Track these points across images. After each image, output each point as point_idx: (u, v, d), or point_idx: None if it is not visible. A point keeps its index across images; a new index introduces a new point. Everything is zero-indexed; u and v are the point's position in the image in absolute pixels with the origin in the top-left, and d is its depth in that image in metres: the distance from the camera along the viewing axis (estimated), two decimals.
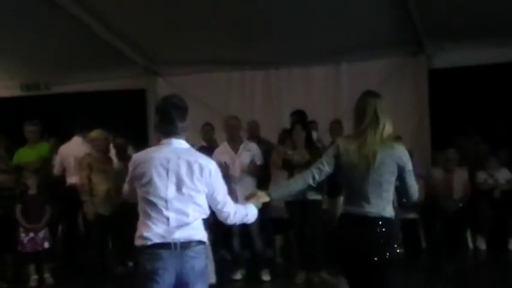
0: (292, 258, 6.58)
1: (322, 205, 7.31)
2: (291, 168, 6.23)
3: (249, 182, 6.42)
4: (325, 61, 9.10)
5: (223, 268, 6.50)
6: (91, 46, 8.31)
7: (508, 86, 9.08)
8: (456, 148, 7.89)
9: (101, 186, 6.24)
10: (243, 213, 3.52)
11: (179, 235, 3.18)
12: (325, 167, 3.46)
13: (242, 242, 6.52)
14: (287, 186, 3.90)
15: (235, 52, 8.88)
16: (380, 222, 3.32)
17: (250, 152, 6.58)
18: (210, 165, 3.31)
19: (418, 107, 8.72)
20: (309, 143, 6.44)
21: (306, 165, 6.10)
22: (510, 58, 8.30)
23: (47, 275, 6.67)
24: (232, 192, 6.15)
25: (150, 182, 3.24)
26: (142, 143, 8.04)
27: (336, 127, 7.38)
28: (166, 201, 3.21)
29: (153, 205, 3.22)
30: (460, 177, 7.78)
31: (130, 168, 3.39)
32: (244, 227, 6.43)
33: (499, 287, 5.57)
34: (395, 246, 3.39)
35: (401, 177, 3.39)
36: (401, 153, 3.37)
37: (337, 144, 3.47)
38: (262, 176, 6.65)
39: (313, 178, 3.50)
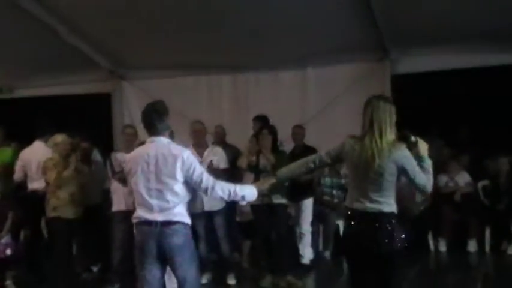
0: (259, 262, 6.59)
1: (288, 209, 7.41)
2: (257, 172, 6.26)
3: None
4: (292, 66, 9.14)
5: None
6: (55, 49, 8.20)
7: (470, 91, 9.33)
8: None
9: (64, 190, 6.17)
10: (232, 190, 3.98)
11: (161, 218, 3.83)
12: (326, 157, 3.83)
13: (208, 246, 6.51)
14: (290, 169, 4.14)
15: (203, 56, 8.85)
16: (380, 218, 3.52)
17: (215, 157, 6.58)
18: (183, 154, 3.88)
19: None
20: (275, 148, 6.49)
21: (273, 170, 6.21)
22: (472, 64, 8.49)
23: (8, 282, 6.56)
24: (197, 195, 6.30)
25: (136, 175, 3.91)
26: (107, 147, 8.02)
27: (298, 132, 7.43)
28: (149, 190, 3.86)
29: (139, 194, 3.91)
30: None
31: (123, 165, 4.17)
32: (211, 231, 6.46)
33: (465, 286, 5.69)
34: (397, 240, 3.53)
35: (405, 176, 3.57)
36: (400, 154, 3.53)
37: (344, 143, 3.74)
38: (226, 180, 6.65)
39: (314, 163, 3.89)
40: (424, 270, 6.83)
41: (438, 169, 8.04)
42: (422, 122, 9.51)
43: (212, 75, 9.39)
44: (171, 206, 3.84)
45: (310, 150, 7.31)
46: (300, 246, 7.02)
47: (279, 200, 6.37)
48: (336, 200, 7.82)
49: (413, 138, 3.69)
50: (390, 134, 3.57)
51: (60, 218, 6.15)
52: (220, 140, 7.88)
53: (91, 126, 8.78)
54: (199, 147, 6.65)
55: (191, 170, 3.86)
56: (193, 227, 6.30)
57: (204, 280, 6.39)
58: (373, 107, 3.67)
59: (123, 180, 6.12)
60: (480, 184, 8.01)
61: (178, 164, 3.83)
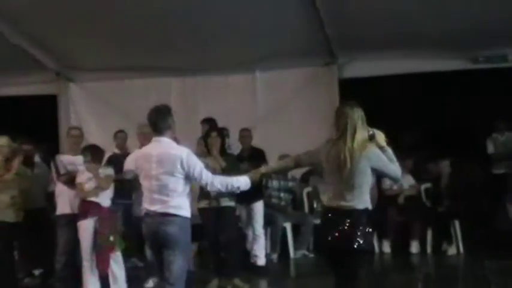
0: (206, 265, 6.58)
1: (236, 212, 7.42)
2: None
3: None
4: (241, 69, 9.22)
5: (135, 276, 6.44)
6: (1, 50, 8.04)
7: (415, 95, 9.59)
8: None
9: (6, 193, 6.03)
10: (228, 182, 4.35)
11: (160, 209, 4.19)
12: (305, 157, 4.17)
13: None
14: (275, 164, 4.83)
15: (152, 59, 8.83)
16: (353, 214, 3.79)
17: None
18: (181, 154, 4.21)
19: (330, 115, 8.92)
20: (224, 150, 6.51)
21: (222, 172, 6.24)
22: (418, 69, 8.74)
23: None
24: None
25: (142, 172, 4.31)
26: (53, 148, 7.88)
27: (245, 135, 7.48)
28: (151, 185, 4.23)
29: (145, 189, 4.31)
30: None
31: (135, 163, 4.44)
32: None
33: (405, 286, 5.82)
34: (369, 235, 3.84)
35: (378, 171, 3.90)
36: (371, 154, 3.84)
37: (322, 147, 4.01)
38: None
39: (300, 161, 4.22)
40: (367, 271, 6.92)
41: None
42: (369, 125, 9.72)
43: (161, 77, 9.36)
44: (169, 200, 4.19)
45: (257, 152, 7.39)
46: (256, 248, 7.04)
47: (226, 202, 6.37)
48: (283, 203, 7.89)
49: (370, 131, 3.99)
50: (361, 136, 3.86)
51: (1, 221, 6.01)
52: None
53: (37, 128, 8.65)
54: None
55: (191, 168, 4.20)
56: (140, 230, 6.32)
57: (151, 284, 6.36)
58: (344, 113, 3.94)
59: (69, 183, 6.07)
60: (423, 187, 8.23)
61: (178, 163, 4.18)
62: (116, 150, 7.65)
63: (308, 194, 8.30)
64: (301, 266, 7.45)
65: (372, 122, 9.41)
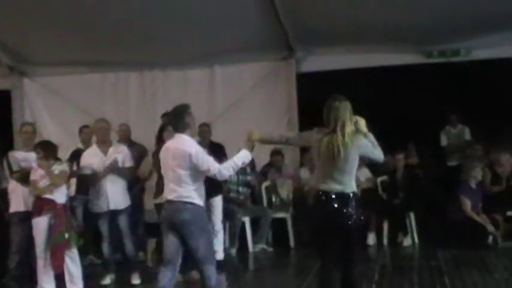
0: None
1: None
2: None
3: (119, 183, 6.38)
4: (199, 64, 9.19)
5: (92, 273, 6.39)
6: None
7: (372, 89, 9.72)
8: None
9: None
10: (232, 165, 4.74)
11: (176, 198, 4.65)
12: (298, 138, 4.74)
13: (112, 246, 6.42)
14: (269, 136, 5.11)
15: (109, 53, 8.73)
16: (344, 197, 4.23)
17: (120, 155, 6.50)
18: (191, 150, 4.65)
19: (288, 109, 9.05)
20: None
21: None
22: (374, 63, 8.85)
23: None
24: (102, 194, 6.21)
25: (162, 163, 4.84)
26: (6, 144, 7.72)
27: (204, 129, 7.47)
28: (168, 176, 4.72)
29: (165, 179, 4.78)
30: None
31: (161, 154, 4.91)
32: (115, 230, 6.36)
33: (361, 278, 5.89)
34: (358, 214, 4.25)
35: (365, 157, 4.37)
36: (360, 143, 4.27)
37: (312, 132, 4.42)
38: (131, 179, 6.62)
39: (287, 139, 4.75)
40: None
41: None
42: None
43: (119, 72, 9.28)
44: (183, 190, 4.64)
45: (217, 147, 7.39)
46: (214, 242, 7.03)
47: None
48: (242, 197, 7.91)
49: (353, 119, 4.35)
50: (350, 127, 4.25)
51: None
52: (126, 138, 7.79)
53: None
54: (103, 145, 6.53)
55: (199, 162, 4.63)
56: (96, 227, 6.26)
57: (108, 281, 6.32)
58: (334, 107, 4.31)
59: (23, 180, 5.97)
60: (379, 179, 8.36)
61: (188, 158, 4.62)
62: (80, 146, 7.56)
63: (267, 188, 8.34)
64: (260, 260, 7.49)
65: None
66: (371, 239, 7.94)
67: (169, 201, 4.71)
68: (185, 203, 4.64)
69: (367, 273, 6.20)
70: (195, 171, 4.64)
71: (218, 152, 7.22)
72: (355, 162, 4.27)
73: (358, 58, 8.77)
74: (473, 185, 7.50)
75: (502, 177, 7.64)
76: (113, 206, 6.32)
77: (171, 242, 4.70)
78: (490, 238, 7.46)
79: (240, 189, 7.93)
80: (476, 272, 6.02)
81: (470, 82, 9.55)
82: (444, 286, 5.49)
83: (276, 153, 8.43)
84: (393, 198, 7.92)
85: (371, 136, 4.38)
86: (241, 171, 7.96)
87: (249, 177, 8.02)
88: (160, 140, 6.43)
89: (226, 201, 7.42)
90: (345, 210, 4.18)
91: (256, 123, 8.99)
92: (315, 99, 9.28)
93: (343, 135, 4.19)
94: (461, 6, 7.57)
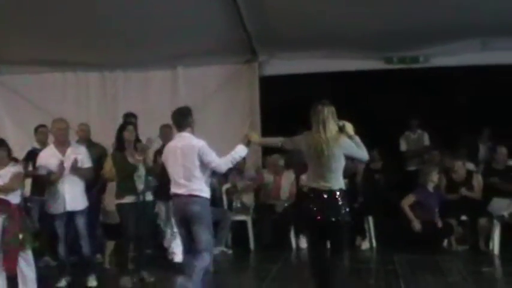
0: (122, 263, 6.47)
1: (155, 208, 7.38)
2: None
3: (77, 184, 6.30)
4: (162, 65, 9.18)
5: (47, 275, 6.30)
6: None
7: (333, 94, 9.78)
8: (285, 152, 8.29)
9: None
10: (229, 159, 5.19)
11: (185, 192, 5.05)
12: (289, 143, 4.95)
13: (68, 247, 6.33)
14: (266, 139, 5.64)
15: (70, 53, 8.64)
16: (332, 193, 4.62)
17: (79, 155, 6.42)
18: (198, 145, 5.08)
19: (250, 112, 9.09)
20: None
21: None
22: (335, 68, 8.95)
23: None
24: (58, 194, 6.12)
25: (169, 162, 5.20)
26: None
27: (166, 131, 7.42)
28: (178, 172, 5.10)
29: (172, 175, 5.16)
30: (287, 180, 8.25)
31: (164, 153, 5.35)
32: (72, 231, 6.28)
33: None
34: (346, 209, 4.64)
35: (350, 156, 4.75)
36: (343, 143, 4.67)
37: (303, 136, 4.81)
38: (90, 179, 6.56)
39: (282, 143, 5.03)
40: (285, 266, 7.07)
41: (302, 168, 8.40)
42: (289, 123, 9.89)
43: (80, 72, 9.22)
44: (192, 184, 5.05)
45: None
46: (173, 245, 7.02)
47: (149, 197, 6.43)
48: None
49: (340, 123, 4.74)
50: (334, 128, 4.66)
51: None
52: (85, 139, 7.72)
53: None
54: (61, 145, 6.43)
55: (204, 156, 5.04)
56: (52, 228, 6.17)
57: (63, 283, 6.23)
58: (319, 111, 4.70)
59: None
60: None
61: (196, 153, 5.03)
62: (36, 145, 7.44)
63: (227, 190, 8.35)
64: (219, 263, 7.45)
65: (292, 119, 9.65)
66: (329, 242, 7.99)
67: (179, 196, 5.11)
68: (196, 196, 5.07)
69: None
70: (202, 165, 5.08)
71: None
72: (340, 160, 4.67)
73: (320, 63, 8.88)
74: (430, 188, 7.63)
75: (457, 183, 7.77)
76: (69, 207, 6.24)
77: (183, 232, 5.21)
78: (445, 242, 7.62)
79: None
80: (430, 276, 6.14)
81: (429, 88, 9.74)
82: None
83: None
84: (352, 202, 7.97)
85: (357, 138, 4.76)
86: None
87: (209, 180, 7.99)
88: (120, 140, 6.39)
89: None
90: (333, 206, 4.57)
91: (219, 125, 9.07)
92: (278, 103, 9.47)
93: (327, 136, 4.60)
94: (421, 14, 7.71)
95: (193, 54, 8.88)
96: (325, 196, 4.61)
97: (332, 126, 4.67)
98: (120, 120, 7.98)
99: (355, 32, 8.19)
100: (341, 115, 9.65)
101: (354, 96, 9.65)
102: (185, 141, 5.17)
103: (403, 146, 9.36)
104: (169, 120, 8.16)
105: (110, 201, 6.65)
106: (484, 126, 9.41)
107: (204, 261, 5.08)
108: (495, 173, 7.71)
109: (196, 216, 5.05)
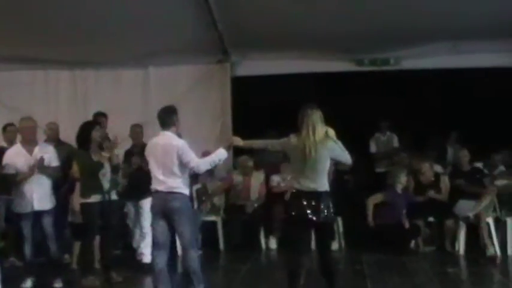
0: (89, 263, 6.41)
1: (124, 208, 7.35)
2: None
3: (45, 183, 6.24)
4: (134, 65, 9.13)
5: (12, 276, 6.20)
6: None
7: (305, 95, 9.85)
8: (255, 153, 8.32)
9: None
10: (209, 160, 5.44)
11: (165, 189, 5.22)
12: (278, 145, 5.17)
13: (35, 248, 6.26)
14: (252, 142, 5.54)
15: (40, 50, 8.52)
16: (317, 195, 4.83)
17: (47, 155, 6.36)
18: (178, 143, 5.26)
19: (222, 112, 9.10)
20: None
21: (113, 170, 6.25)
22: (307, 69, 9.00)
23: None
24: (26, 194, 6.05)
25: (151, 159, 5.35)
26: None
27: (136, 130, 7.40)
28: (158, 169, 5.25)
29: (153, 172, 5.30)
30: (257, 180, 8.28)
31: (146, 149, 5.48)
32: (39, 231, 6.21)
33: (284, 283, 6.00)
34: (330, 210, 4.89)
35: (335, 158, 5.00)
36: (330, 145, 4.88)
37: (289, 139, 4.99)
38: (58, 178, 6.50)
39: (272, 146, 5.27)
40: (255, 267, 7.09)
41: (272, 169, 8.45)
42: (261, 123, 9.93)
43: (49, 70, 9.11)
44: (172, 181, 5.20)
45: None
46: (142, 245, 6.99)
47: (114, 196, 6.39)
48: None
49: (324, 129, 4.92)
50: (321, 132, 4.85)
51: None
52: (54, 138, 7.64)
53: None
54: (28, 144, 6.36)
55: (183, 156, 5.20)
56: (19, 228, 6.10)
57: (29, 284, 6.15)
58: (308, 114, 4.89)
59: None
60: None
61: (175, 152, 5.19)
62: (4, 144, 7.33)
63: (197, 191, 8.33)
64: None
65: (264, 119, 9.65)
66: None
67: (159, 192, 5.25)
68: (175, 193, 5.22)
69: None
70: (181, 164, 5.23)
71: None
72: (326, 163, 4.88)
73: (292, 64, 8.92)
74: (398, 190, 7.72)
75: (424, 185, 7.88)
76: (37, 207, 6.18)
77: (161, 227, 5.27)
78: (412, 243, 7.72)
79: None
80: (397, 276, 6.21)
81: (399, 91, 9.86)
82: None
83: (207, 154, 8.41)
84: None
85: (339, 143, 4.98)
86: None
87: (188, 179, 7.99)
88: (86, 138, 6.31)
89: None
90: (317, 207, 4.79)
91: (190, 125, 8.97)
92: (250, 103, 9.49)
93: (315, 138, 4.80)
94: (392, 17, 7.79)
95: (165, 54, 8.85)
96: (310, 197, 4.82)
97: (320, 129, 4.87)
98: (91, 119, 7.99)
99: (326, 33, 8.25)
100: None
101: (325, 98, 9.69)
102: (166, 139, 5.32)
103: (373, 148, 9.46)
104: (140, 120, 8.30)
105: (76, 200, 6.58)
106: (453, 128, 9.56)
107: (194, 260, 5.26)
108: (461, 175, 7.83)
109: (176, 213, 5.21)
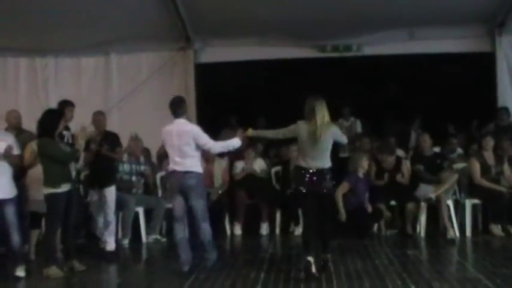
0: (51, 253, 6.32)
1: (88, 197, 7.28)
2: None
3: (6, 172, 6.11)
4: (95, 52, 9.04)
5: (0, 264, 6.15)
6: None
7: (269, 81, 9.93)
8: (219, 138, 8.30)
9: None
10: (222, 144, 6.16)
11: (182, 169, 5.83)
12: (287, 132, 5.78)
13: None
14: (264, 132, 6.32)
15: None
16: (323, 171, 5.64)
17: (6, 143, 6.24)
18: (192, 129, 5.92)
19: (186, 99, 9.02)
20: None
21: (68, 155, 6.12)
22: (270, 56, 9.02)
23: None
24: None
25: (167, 142, 5.96)
26: None
27: (98, 118, 7.29)
28: (174, 152, 5.88)
29: (170, 155, 5.96)
30: (219, 167, 8.28)
31: (162, 136, 6.06)
32: (0, 221, 6.11)
33: (251, 267, 6.04)
34: (332, 183, 5.82)
35: (337, 140, 5.78)
36: (334, 130, 5.73)
37: (298, 125, 5.68)
38: (21, 168, 6.40)
39: (283, 134, 5.86)
40: (220, 253, 7.08)
41: (236, 156, 8.45)
42: (224, 110, 9.94)
43: (8, 57, 8.97)
44: (187, 162, 5.82)
45: (111, 136, 7.24)
46: (106, 233, 6.93)
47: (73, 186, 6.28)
48: (134, 190, 7.85)
49: None
50: (326, 118, 5.60)
51: None
52: (15, 126, 7.49)
53: None
54: None
55: (198, 139, 5.85)
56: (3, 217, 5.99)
57: (22, 272, 6.00)
58: (315, 103, 5.61)
59: None
60: (273, 170, 8.54)
61: (190, 136, 5.82)
62: None
63: (162, 178, 8.31)
64: (153, 251, 7.46)
65: (227, 106, 9.64)
66: (264, 228, 8.12)
67: (176, 171, 5.85)
68: (191, 172, 5.83)
69: (256, 262, 6.33)
70: (196, 146, 5.85)
71: (112, 140, 7.13)
72: (330, 144, 5.65)
73: (255, 50, 8.95)
74: (360, 174, 7.82)
75: (386, 170, 8.00)
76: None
77: (179, 202, 5.90)
78: (375, 227, 7.85)
79: (133, 178, 7.87)
80: (359, 259, 6.29)
81: (362, 77, 9.96)
82: (329, 273, 5.68)
83: None
84: (286, 189, 8.08)
85: (337, 127, 5.98)
86: (135, 161, 7.93)
87: (142, 167, 7.96)
88: (53, 127, 6.18)
89: (119, 190, 7.34)
90: (322, 181, 5.60)
91: (153, 113, 8.99)
92: (213, 90, 9.47)
93: (323, 124, 5.55)
94: (353, 4, 7.87)
95: (127, 41, 8.79)
96: (316, 173, 5.60)
97: (326, 116, 5.62)
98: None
99: (289, 20, 8.28)
100: (276, 103, 9.83)
101: (288, 84, 9.76)
102: (180, 126, 5.92)
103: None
104: (102, 107, 8.20)
105: (36, 190, 6.47)
106: (414, 113, 9.70)
107: (206, 231, 5.92)
108: (422, 160, 7.96)
109: (192, 189, 5.82)
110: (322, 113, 5.60)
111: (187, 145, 5.84)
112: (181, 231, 5.98)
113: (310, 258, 5.48)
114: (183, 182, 5.85)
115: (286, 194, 7.95)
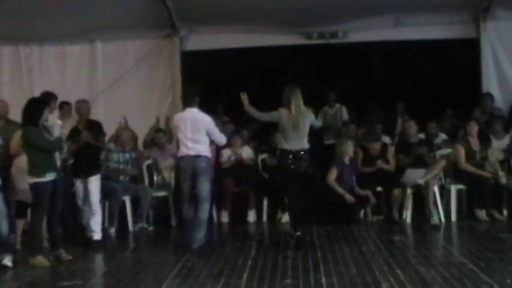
0: (37, 242, 6.29)
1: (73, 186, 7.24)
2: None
3: None
4: (80, 40, 8.97)
5: None
6: None
7: (255, 68, 9.90)
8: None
9: None
10: (223, 139, 6.78)
11: (193, 153, 6.35)
12: (270, 117, 6.51)
13: None
14: (251, 108, 6.57)
15: None
16: (303, 152, 6.38)
17: None
18: (206, 119, 6.43)
19: (172, 87, 9.05)
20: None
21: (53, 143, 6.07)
22: (256, 43, 9.01)
23: None
24: None
25: (180, 128, 6.41)
26: None
27: (81, 106, 7.23)
28: (186, 138, 6.36)
29: (182, 140, 6.42)
30: None
31: (173, 122, 6.68)
32: None
33: (239, 255, 6.07)
34: (310, 164, 6.45)
35: (312, 124, 6.51)
36: (310, 116, 6.52)
37: (279, 111, 6.39)
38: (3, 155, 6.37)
39: (265, 117, 6.58)
40: (206, 240, 7.09)
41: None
42: (211, 98, 9.89)
43: None
44: (199, 147, 6.34)
45: (94, 124, 7.18)
46: (92, 222, 6.89)
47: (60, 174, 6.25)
48: (122, 177, 7.83)
49: None
50: (303, 105, 6.35)
51: None
52: (2, 116, 7.43)
53: None
54: None
55: (210, 131, 6.42)
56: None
57: (9, 262, 5.96)
58: (291, 93, 6.37)
59: None
60: (260, 157, 8.54)
61: (202, 124, 6.36)
62: None
63: (148, 166, 8.29)
64: (140, 239, 7.46)
65: (212, 94, 9.63)
66: (251, 216, 8.14)
67: (189, 156, 6.35)
68: (202, 156, 6.37)
69: (243, 249, 6.35)
70: (206, 134, 6.38)
71: (95, 129, 7.08)
72: (307, 127, 6.40)
73: (241, 38, 8.92)
74: (346, 161, 7.85)
75: (372, 156, 8.03)
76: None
77: (188, 184, 6.43)
78: (362, 213, 7.89)
79: (121, 167, 7.84)
80: (346, 246, 6.33)
81: (348, 64, 9.96)
82: (316, 259, 5.71)
83: (158, 130, 8.38)
84: (273, 176, 8.08)
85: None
86: (121, 149, 7.90)
87: (128, 156, 7.93)
88: (38, 116, 6.12)
89: (106, 179, 7.32)
90: (300, 161, 6.32)
91: (139, 100, 9.00)
92: (199, 77, 9.43)
93: (301, 110, 6.32)
94: None
95: (112, 28, 8.73)
96: (298, 154, 6.33)
97: (302, 103, 6.35)
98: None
99: (275, 7, 8.26)
100: (262, 90, 9.81)
101: (275, 71, 9.74)
102: (193, 114, 6.41)
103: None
104: (87, 96, 8.15)
105: (22, 179, 6.43)
106: (400, 100, 9.73)
107: (206, 211, 6.40)
108: (408, 146, 8.01)
109: (202, 171, 6.35)
110: (298, 103, 6.35)
111: (199, 132, 6.36)
112: (190, 212, 6.46)
113: (299, 233, 6.28)
114: (194, 165, 6.36)
115: (273, 181, 7.94)
